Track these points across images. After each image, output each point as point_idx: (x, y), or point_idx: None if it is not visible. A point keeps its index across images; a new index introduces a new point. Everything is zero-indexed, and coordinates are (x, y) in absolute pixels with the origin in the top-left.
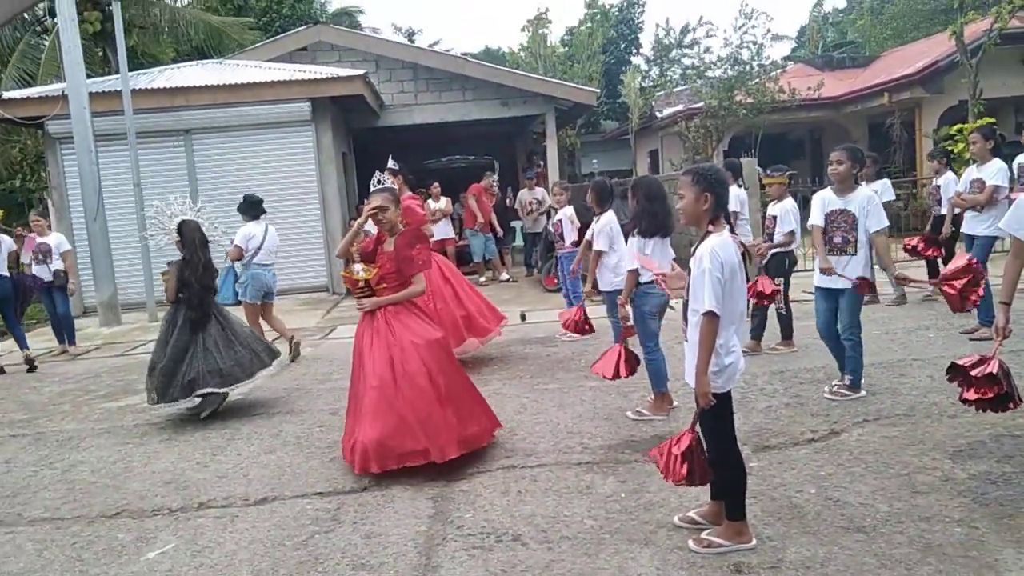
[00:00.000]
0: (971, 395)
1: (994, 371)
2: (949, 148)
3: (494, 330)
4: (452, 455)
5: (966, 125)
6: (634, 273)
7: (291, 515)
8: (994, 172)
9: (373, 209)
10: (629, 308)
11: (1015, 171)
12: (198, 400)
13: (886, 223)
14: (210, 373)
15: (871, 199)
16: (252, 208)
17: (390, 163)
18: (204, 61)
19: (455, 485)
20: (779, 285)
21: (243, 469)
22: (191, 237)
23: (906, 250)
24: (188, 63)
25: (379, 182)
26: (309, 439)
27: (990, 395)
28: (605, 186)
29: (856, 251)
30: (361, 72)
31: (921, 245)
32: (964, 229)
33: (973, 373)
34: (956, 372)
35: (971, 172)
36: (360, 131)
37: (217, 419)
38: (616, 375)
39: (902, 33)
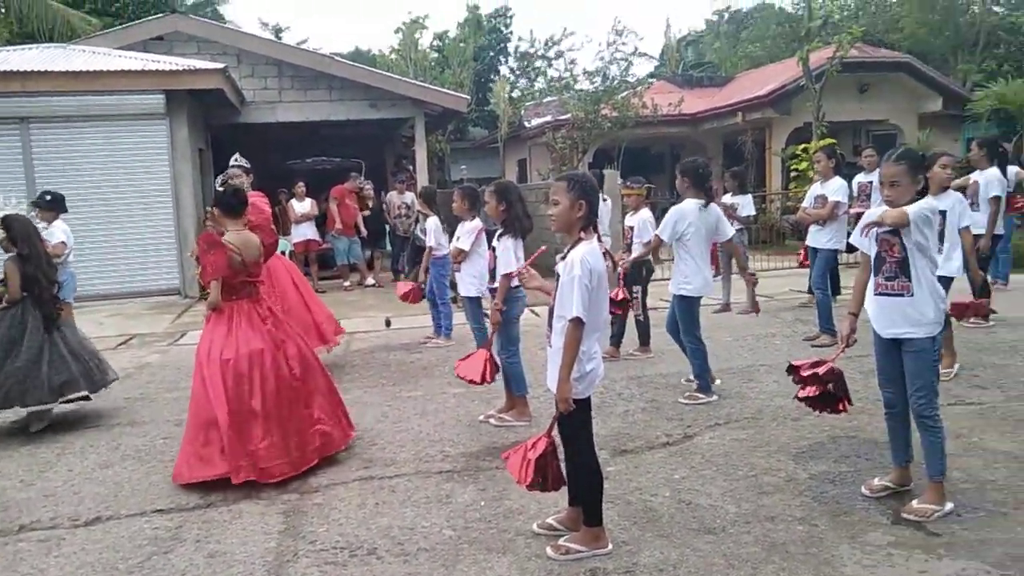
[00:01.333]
0: (801, 393)
1: (820, 372)
2: (794, 166)
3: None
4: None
5: (811, 144)
6: (508, 277)
7: (127, 535)
8: (835, 189)
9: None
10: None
11: (854, 189)
12: (61, 405)
13: (653, 234)
14: (83, 376)
15: (668, 213)
16: (60, 204)
17: (240, 160)
18: (45, 45)
19: (308, 498)
20: (637, 294)
21: (74, 486)
22: (25, 231)
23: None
24: (26, 46)
25: (224, 183)
26: (151, 452)
27: (814, 394)
28: (475, 191)
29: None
30: (221, 65)
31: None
32: (808, 242)
33: (802, 373)
34: (792, 371)
35: (815, 189)
36: (220, 127)
37: (47, 432)
38: (483, 379)
39: (756, 57)
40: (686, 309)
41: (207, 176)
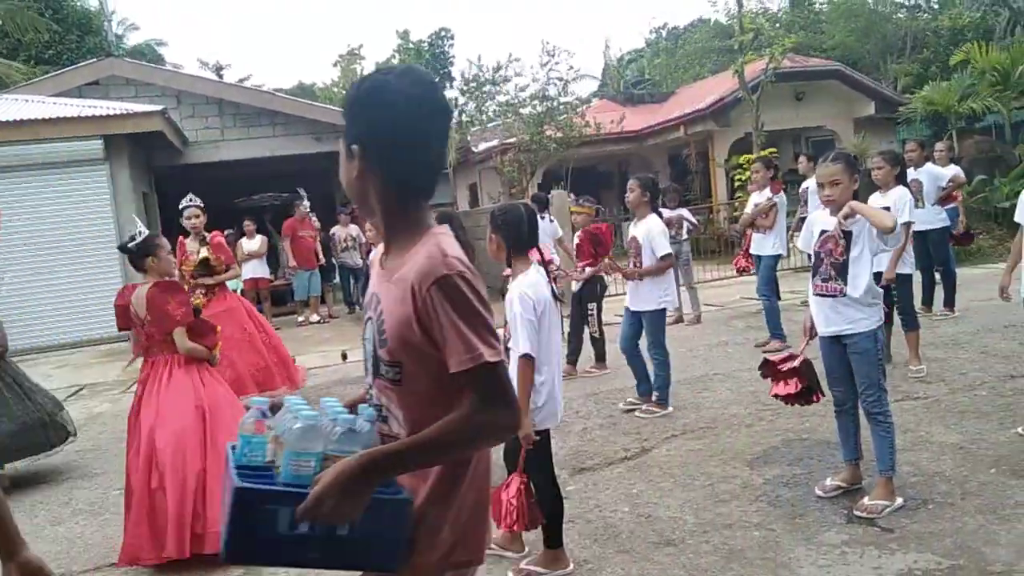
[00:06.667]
0: (780, 390)
1: (797, 365)
2: (738, 177)
3: None
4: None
5: (751, 155)
6: None
7: None
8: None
9: None
10: None
11: (800, 195)
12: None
13: (667, 250)
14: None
15: (651, 229)
16: None
17: (195, 200)
18: None
19: None
20: (592, 310)
21: None
22: None
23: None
24: None
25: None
26: (105, 505)
27: (796, 389)
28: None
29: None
30: (160, 108)
31: (743, 264)
32: (752, 250)
33: (780, 368)
34: (765, 368)
35: (755, 198)
36: (163, 169)
37: None
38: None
39: (693, 70)
40: (660, 322)
41: (152, 218)
